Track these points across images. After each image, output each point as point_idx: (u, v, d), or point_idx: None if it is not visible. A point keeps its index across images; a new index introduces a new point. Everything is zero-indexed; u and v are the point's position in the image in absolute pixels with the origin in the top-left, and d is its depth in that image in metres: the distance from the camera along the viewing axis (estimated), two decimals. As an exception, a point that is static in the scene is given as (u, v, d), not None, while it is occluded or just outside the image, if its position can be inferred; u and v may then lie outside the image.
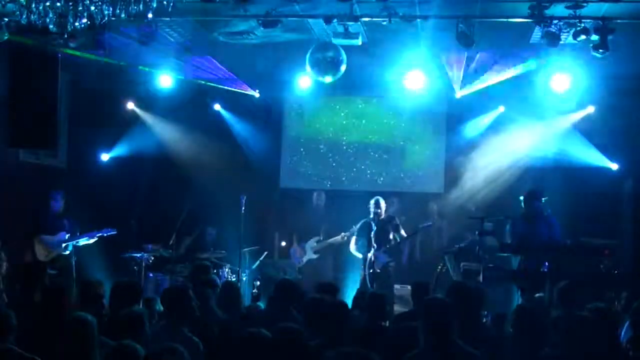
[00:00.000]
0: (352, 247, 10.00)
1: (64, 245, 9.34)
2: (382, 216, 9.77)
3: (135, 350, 3.99)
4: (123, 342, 4.09)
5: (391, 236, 9.77)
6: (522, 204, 8.74)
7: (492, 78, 10.16)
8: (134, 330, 4.75)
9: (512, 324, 5.34)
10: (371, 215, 9.70)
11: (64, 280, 8.77)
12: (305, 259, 10.77)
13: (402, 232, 9.92)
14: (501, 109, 10.94)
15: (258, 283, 9.90)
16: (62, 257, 9.37)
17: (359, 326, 5.75)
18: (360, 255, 9.83)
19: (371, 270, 9.54)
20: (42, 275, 6.61)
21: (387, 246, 9.69)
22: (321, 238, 10.76)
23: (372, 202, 9.79)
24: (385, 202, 9.93)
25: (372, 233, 9.62)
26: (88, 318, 4.58)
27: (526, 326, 5.14)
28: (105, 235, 9.46)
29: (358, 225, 9.98)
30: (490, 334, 5.66)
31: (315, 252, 10.75)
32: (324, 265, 10.69)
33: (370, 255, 9.60)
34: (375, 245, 9.59)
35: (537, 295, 7.47)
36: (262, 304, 8.00)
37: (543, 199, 8.72)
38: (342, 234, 10.35)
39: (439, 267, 9.80)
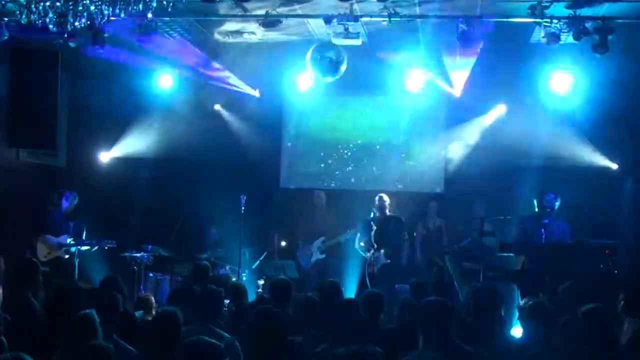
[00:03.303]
0: (357, 245, 10.00)
1: (64, 249, 9.32)
2: (386, 214, 9.72)
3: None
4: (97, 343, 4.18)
5: (393, 236, 9.65)
6: (536, 204, 8.70)
7: (492, 78, 10.15)
8: None
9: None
10: (372, 214, 9.68)
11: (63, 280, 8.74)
12: (313, 259, 10.75)
13: (406, 233, 9.89)
14: (501, 108, 10.94)
15: (262, 282, 9.86)
16: (64, 258, 9.37)
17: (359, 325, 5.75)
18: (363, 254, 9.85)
19: (370, 271, 9.53)
20: (35, 274, 6.55)
21: (388, 247, 9.63)
22: (326, 238, 10.74)
23: (376, 199, 9.79)
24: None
25: (373, 233, 9.60)
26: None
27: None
28: (105, 247, 9.44)
29: (360, 224, 9.98)
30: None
31: (322, 252, 10.74)
32: (330, 264, 10.66)
33: (370, 255, 9.59)
34: (375, 245, 9.58)
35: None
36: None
37: (557, 202, 8.71)
38: (348, 230, 10.32)
39: (439, 267, 9.78)
